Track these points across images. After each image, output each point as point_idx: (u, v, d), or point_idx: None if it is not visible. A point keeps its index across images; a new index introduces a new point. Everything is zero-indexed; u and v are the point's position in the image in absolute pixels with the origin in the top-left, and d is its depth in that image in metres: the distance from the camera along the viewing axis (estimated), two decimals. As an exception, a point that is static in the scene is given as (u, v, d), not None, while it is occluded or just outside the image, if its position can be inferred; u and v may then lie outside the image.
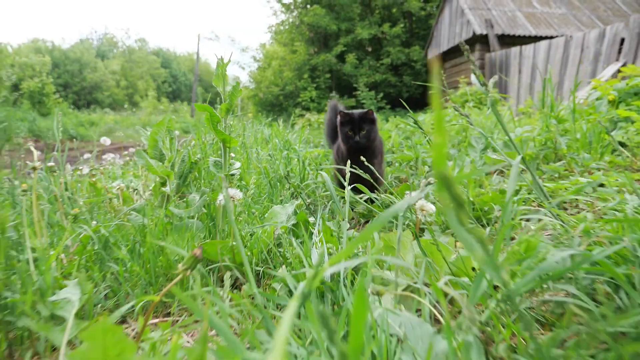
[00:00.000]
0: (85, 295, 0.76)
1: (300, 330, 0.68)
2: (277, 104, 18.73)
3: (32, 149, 1.22)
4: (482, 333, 0.64)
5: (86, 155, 3.91)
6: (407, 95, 17.57)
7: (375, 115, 1.87)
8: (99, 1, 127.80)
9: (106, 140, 2.62)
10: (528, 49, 9.97)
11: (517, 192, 1.43)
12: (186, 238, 1.20)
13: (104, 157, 3.56)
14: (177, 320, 0.95)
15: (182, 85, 59.35)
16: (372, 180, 1.59)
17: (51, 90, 20.62)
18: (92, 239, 1.10)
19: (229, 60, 1.27)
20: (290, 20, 19.81)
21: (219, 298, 0.72)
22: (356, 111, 1.84)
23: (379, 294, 0.64)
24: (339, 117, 1.88)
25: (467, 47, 1.10)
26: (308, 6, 18.41)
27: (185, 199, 1.40)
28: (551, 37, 11.66)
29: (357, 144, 1.80)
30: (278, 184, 1.98)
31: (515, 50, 10.40)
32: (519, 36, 11.99)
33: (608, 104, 2.80)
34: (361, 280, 0.52)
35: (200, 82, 54.21)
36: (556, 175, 1.76)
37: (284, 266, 0.88)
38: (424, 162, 2.34)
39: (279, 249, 1.19)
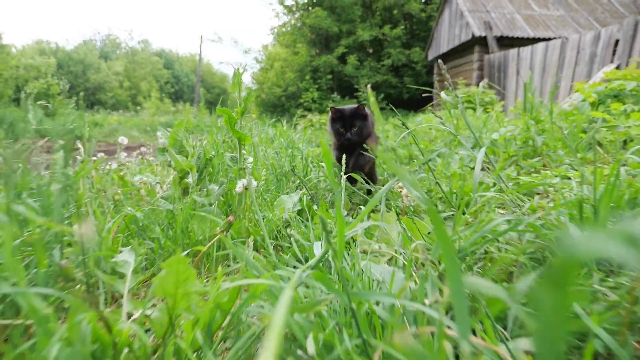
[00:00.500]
0: (139, 257, 0.98)
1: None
2: (279, 105, 18.98)
3: (79, 145, 1.43)
4: (439, 275, 0.85)
5: (99, 154, 4.13)
6: (407, 96, 17.81)
7: (368, 110, 1.85)
8: (102, 3, 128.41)
9: (124, 140, 2.84)
10: (525, 50, 10.17)
11: (495, 184, 1.64)
12: (208, 221, 1.42)
13: (116, 156, 3.77)
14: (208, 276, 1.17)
15: (185, 86, 59.57)
16: (365, 177, 1.65)
17: (56, 91, 20.90)
18: (133, 219, 1.32)
19: (245, 70, 1.48)
20: (292, 22, 20.06)
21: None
22: (347, 107, 1.83)
23: (365, 252, 0.86)
24: (330, 113, 1.86)
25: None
26: (310, 8, 18.65)
27: (205, 189, 1.62)
28: (549, 39, 11.86)
29: (348, 140, 1.79)
30: (284, 178, 2.20)
31: (513, 52, 10.60)
32: (518, 38, 12.19)
33: (590, 105, 3.01)
34: (340, 224, 0.72)
35: (202, 83, 54.53)
36: (532, 170, 1.97)
37: (293, 237, 1.09)
38: (416, 158, 2.56)
39: (287, 229, 1.41)
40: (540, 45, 9.73)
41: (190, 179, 1.57)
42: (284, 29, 20.45)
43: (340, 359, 0.54)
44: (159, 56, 57.47)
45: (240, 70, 1.48)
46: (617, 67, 7.83)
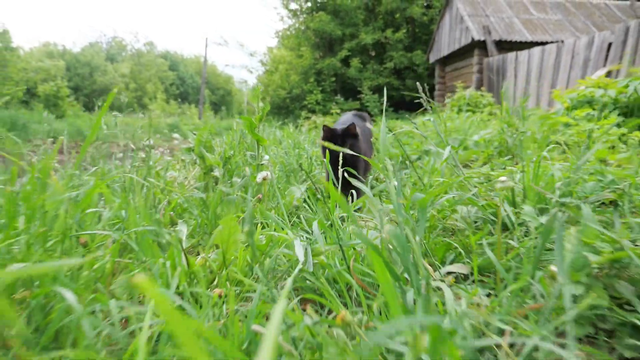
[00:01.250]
0: (190, 227, 1.34)
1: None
2: (284, 107, 19.38)
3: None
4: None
5: (120, 155, 4.50)
6: (409, 98, 18.14)
7: (358, 130, 1.99)
8: (107, 5, 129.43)
9: (177, 136, 3.22)
10: (523, 54, 10.49)
11: (468, 179, 1.99)
12: (234, 205, 1.78)
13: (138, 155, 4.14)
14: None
15: (190, 87, 59.92)
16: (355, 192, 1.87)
17: (65, 94, 21.31)
18: (177, 204, 1.69)
19: (262, 88, 1.85)
20: (297, 25, 20.47)
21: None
22: (339, 127, 1.97)
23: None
24: (322, 132, 1.98)
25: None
26: (314, 12, 19.06)
27: (230, 182, 1.98)
28: (547, 43, 12.17)
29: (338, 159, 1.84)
30: (292, 174, 2.56)
31: (511, 55, 10.93)
32: (516, 42, 12.51)
33: (565, 110, 3.36)
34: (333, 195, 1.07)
35: (206, 84, 54.95)
36: (503, 167, 2.32)
37: (302, 214, 1.45)
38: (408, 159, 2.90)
39: (297, 212, 1.77)
40: (537, 50, 10.05)
41: (217, 173, 1.93)
42: (288, 32, 20.86)
43: (334, 275, 0.90)
44: (164, 58, 57.90)
45: (253, 82, 1.84)
46: (609, 71, 8.15)
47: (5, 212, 0.90)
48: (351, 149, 1.85)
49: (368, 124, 2.52)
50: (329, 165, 1.79)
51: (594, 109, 3.07)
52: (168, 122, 23.25)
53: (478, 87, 12.30)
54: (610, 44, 8.34)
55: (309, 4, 19.80)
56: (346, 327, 0.56)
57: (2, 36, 20.15)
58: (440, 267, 0.98)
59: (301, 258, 0.87)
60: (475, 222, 1.27)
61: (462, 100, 8.72)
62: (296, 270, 0.79)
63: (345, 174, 1.51)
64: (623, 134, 2.31)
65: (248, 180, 1.86)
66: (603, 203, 1.33)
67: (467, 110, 8.58)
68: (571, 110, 3.28)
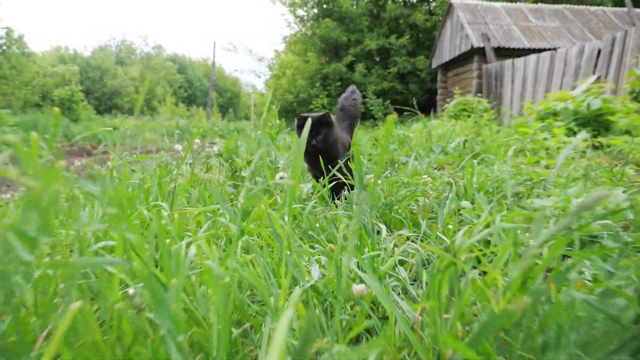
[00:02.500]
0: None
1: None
2: (291, 110, 19.98)
3: (199, 143, 2.37)
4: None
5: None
6: (413, 101, 18.70)
7: (333, 118, 1.96)
8: (117, 9, 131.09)
9: (179, 147, 3.76)
10: (519, 61, 11.00)
11: (435, 178, 2.54)
12: (258, 198, 2.35)
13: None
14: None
15: (197, 90, 60.52)
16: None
17: (80, 98, 22.01)
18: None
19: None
20: (304, 31, 21.08)
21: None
22: (314, 114, 1.92)
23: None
24: (296, 120, 1.96)
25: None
26: (320, 19, 19.67)
27: (254, 180, 2.55)
28: (544, 49, 12.65)
29: (313, 147, 1.87)
30: (300, 176, 3.13)
31: (508, 62, 11.43)
32: (514, 48, 13.01)
33: (535, 120, 3.91)
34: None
35: (214, 87, 55.70)
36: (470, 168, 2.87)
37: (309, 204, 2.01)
38: (396, 161, 3.45)
39: (305, 203, 2.33)
40: (532, 57, 10.56)
41: (244, 174, 2.50)
42: (295, 38, 21.47)
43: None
44: (173, 61, 58.60)
45: (260, 86, 2.41)
46: (598, 79, 8.65)
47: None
48: (325, 139, 1.87)
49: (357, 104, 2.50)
50: (306, 157, 1.89)
51: (556, 120, 3.62)
52: (178, 125, 23.89)
53: (478, 92, 12.81)
54: (599, 53, 8.83)
55: (315, 10, 20.42)
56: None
57: (17, 42, 20.85)
58: (394, 231, 1.54)
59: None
60: (432, 208, 1.83)
61: (460, 106, 9.22)
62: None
63: (334, 169, 1.64)
64: (565, 143, 2.85)
65: (267, 180, 2.42)
66: (522, 195, 1.88)
67: (465, 115, 9.09)
68: (540, 120, 3.83)
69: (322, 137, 1.86)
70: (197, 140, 5.30)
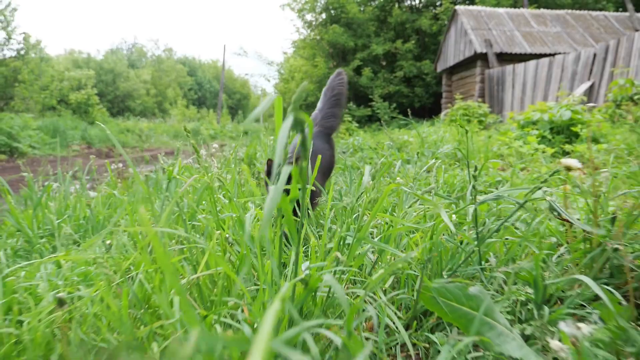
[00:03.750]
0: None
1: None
2: (299, 113, 20.47)
3: (215, 145, 2.90)
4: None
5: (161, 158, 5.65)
6: (419, 105, 19.16)
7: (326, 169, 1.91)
8: (126, 12, 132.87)
9: (203, 152, 4.30)
10: (520, 67, 11.44)
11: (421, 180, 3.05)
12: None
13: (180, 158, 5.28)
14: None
15: (207, 92, 61.15)
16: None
17: (95, 101, 22.74)
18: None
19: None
20: (312, 36, 21.62)
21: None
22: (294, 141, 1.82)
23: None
24: (265, 167, 1.82)
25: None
26: (328, 25, 20.19)
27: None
28: (546, 54, 13.06)
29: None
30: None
31: (509, 67, 11.87)
32: (516, 53, 13.43)
33: (518, 128, 4.40)
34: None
35: (223, 89, 56.41)
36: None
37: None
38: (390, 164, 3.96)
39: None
40: (532, 63, 10.99)
41: (263, 175, 3.02)
42: (304, 43, 22.00)
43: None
44: (183, 64, 59.33)
45: (270, 90, 2.95)
46: (592, 84, 9.08)
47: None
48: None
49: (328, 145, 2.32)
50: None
51: (534, 129, 4.11)
52: (189, 127, 24.48)
53: (481, 96, 13.26)
54: (594, 60, 9.25)
55: (324, 16, 20.97)
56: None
57: (35, 47, 21.55)
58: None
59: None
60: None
61: (460, 111, 9.69)
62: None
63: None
64: (539, 149, 3.35)
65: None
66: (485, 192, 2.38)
67: (465, 119, 9.56)
68: (521, 129, 4.32)
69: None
70: (215, 145, 5.88)
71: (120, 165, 4.27)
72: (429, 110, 18.69)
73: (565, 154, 3.60)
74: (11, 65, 19.22)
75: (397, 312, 0.89)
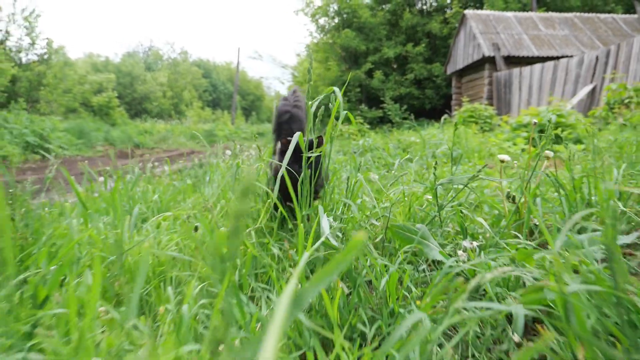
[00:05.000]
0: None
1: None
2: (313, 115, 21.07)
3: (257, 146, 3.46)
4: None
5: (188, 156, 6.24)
6: (429, 106, 19.59)
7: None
8: (143, 15, 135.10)
9: (228, 152, 4.85)
10: (526, 70, 11.82)
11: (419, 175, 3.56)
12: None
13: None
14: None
15: (222, 94, 61.75)
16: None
17: (116, 104, 23.56)
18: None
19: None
20: (325, 39, 22.20)
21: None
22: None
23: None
24: (279, 145, 1.65)
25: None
26: (340, 29, 20.75)
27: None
28: (553, 57, 13.39)
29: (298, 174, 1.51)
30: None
31: (516, 70, 12.26)
32: (524, 56, 13.79)
33: (510, 131, 4.88)
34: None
35: (237, 90, 57.18)
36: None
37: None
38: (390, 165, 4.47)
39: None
40: (538, 66, 11.38)
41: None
42: (317, 47, 22.59)
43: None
44: (198, 66, 60.08)
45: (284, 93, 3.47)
46: (594, 87, 9.45)
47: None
48: (316, 166, 1.52)
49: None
50: (281, 188, 1.44)
51: (525, 131, 4.59)
52: (205, 128, 25.15)
53: (489, 98, 13.66)
54: (596, 63, 9.62)
55: (336, 20, 21.53)
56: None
57: (57, 51, 22.31)
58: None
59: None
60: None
61: (468, 113, 10.13)
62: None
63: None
64: (525, 150, 3.83)
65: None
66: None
67: (472, 121, 9.99)
68: (513, 131, 4.80)
69: (313, 165, 1.48)
70: (239, 145, 6.42)
71: (157, 163, 4.84)
72: (439, 111, 19.09)
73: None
74: (36, 69, 19.96)
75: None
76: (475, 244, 1.12)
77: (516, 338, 0.80)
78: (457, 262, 1.06)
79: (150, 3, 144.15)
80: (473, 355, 0.84)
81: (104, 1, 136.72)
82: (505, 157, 1.63)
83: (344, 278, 1.12)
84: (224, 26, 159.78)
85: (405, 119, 17.25)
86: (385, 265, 1.08)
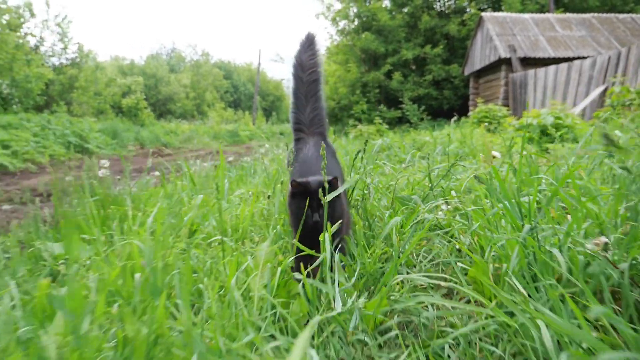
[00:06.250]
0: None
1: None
2: (333, 115, 21.70)
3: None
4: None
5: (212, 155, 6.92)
6: (447, 107, 19.97)
7: (340, 182, 1.48)
8: (165, 18, 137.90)
9: (262, 150, 5.49)
10: (541, 71, 12.17)
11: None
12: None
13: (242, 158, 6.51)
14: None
15: (242, 94, 62.37)
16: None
17: (144, 106, 24.51)
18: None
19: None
20: (345, 42, 22.78)
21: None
22: (313, 179, 1.41)
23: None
24: (289, 187, 1.46)
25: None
26: (360, 32, 21.31)
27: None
28: (569, 58, 13.65)
29: (315, 224, 1.36)
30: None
31: (531, 72, 12.61)
32: (540, 58, 14.10)
33: (514, 131, 5.39)
34: None
35: (258, 90, 57.99)
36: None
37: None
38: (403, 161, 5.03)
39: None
40: (552, 68, 11.72)
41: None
42: (337, 49, 23.17)
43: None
44: (219, 67, 60.93)
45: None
46: (606, 89, 9.79)
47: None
48: (331, 210, 1.39)
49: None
50: (304, 236, 1.35)
51: (527, 131, 5.10)
52: (228, 129, 25.90)
53: (505, 99, 14.04)
54: (608, 65, 9.95)
55: (356, 23, 22.09)
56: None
57: (87, 56, 23.21)
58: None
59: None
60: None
61: (482, 114, 10.55)
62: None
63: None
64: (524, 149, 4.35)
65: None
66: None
67: (486, 121, 10.42)
68: (517, 132, 5.31)
69: (329, 210, 1.36)
70: (266, 145, 7.08)
71: (198, 160, 5.49)
72: (457, 111, 19.43)
73: (546, 151, 4.59)
74: (68, 73, 20.94)
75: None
76: (449, 207, 1.71)
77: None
78: (435, 217, 1.66)
79: (172, 5, 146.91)
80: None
81: (127, 5, 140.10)
82: (497, 154, 2.21)
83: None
84: (244, 28, 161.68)
85: (422, 119, 17.62)
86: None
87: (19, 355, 0.79)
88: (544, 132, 5.06)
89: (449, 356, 0.89)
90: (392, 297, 1.08)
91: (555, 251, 0.97)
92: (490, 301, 0.95)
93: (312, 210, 1.35)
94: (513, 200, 1.22)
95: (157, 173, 3.90)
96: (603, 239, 0.91)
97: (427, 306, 1.05)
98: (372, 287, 1.23)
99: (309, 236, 1.36)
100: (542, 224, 1.22)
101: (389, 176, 2.90)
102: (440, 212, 1.69)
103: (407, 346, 0.93)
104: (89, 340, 0.81)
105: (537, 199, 1.39)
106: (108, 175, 2.46)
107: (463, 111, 18.45)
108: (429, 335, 0.96)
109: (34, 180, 7.55)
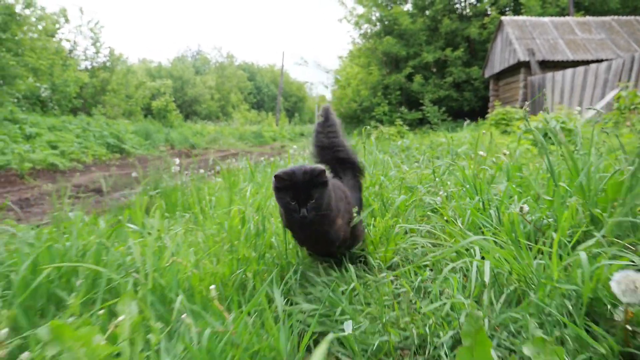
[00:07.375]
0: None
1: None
2: (355, 117, 22.28)
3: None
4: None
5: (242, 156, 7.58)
6: (467, 108, 20.31)
7: (328, 175, 1.34)
8: (190, 21, 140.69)
9: (292, 151, 6.13)
10: (558, 74, 12.48)
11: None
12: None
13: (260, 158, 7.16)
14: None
15: (265, 96, 63.16)
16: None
17: (172, 107, 25.49)
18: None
19: (345, 114, 4.67)
20: (367, 45, 23.33)
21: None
22: (299, 169, 1.30)
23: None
24: (273, 181, 1.34)
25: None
26: (382, 35, 21.84)
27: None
28: (588, 61, 13.87)
29: (303, 219, 1.29)
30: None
31: (549, 75, 12.93)
32: (559, 61, 14.37)
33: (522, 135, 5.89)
34: None
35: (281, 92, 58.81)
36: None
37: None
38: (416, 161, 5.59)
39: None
40: (569, 71, 12.03)
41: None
42: (359, 52, 23.75)
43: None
44: (243, 69, 61.94)
45: (328, 97, 4.70)
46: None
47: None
48: (318, 203, 1.29)
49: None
50: (293, 227, 1.38)
51: (532, 135, 5.60)
52: (253, 130, 26.69)
53: (524, 101, 14.36)
54: (622, 68, 10.25)
55: (378, 26, 22.63)
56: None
57: (118, 59, 24.17)
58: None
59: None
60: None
61: (500, 116, 10.97)
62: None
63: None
64: (530, 150, 4.86)
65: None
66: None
67: (504, 123, 10.84)
68: (525, 134, 5.80)
69: (315, 202, 1.29)
70: (294, 147, 7.72)
71: (233, 160, 6.18)
72: (477, 113, 19.78)
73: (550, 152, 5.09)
74: (100, 76, 21.99)
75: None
76: (446, 194, 2.30)
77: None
78: (434, 200, 2.25)
79: (198, 8, 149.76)
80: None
81: (154, 8, 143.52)
82: (482, 153, 2.78)
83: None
84: (268, 30, 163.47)
85: (443, 120, 18.03)
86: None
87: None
88: (546, 135, 5.54)
89: (431, 269, 1.50)
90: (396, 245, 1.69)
91: (492, 212, 1.56)
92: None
93: (299, 205, 1.28)
94: (472, 184, 1.84)
95: (217, 168, 4.53)
96: (525, 207, 1.47)
97: (416, 248, 1.67)
98: (386, 240, 1.84)
99: (297, 227, 1.43)
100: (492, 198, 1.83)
101: (404, 172, 3.48)
102: (438, 198, 2.28)
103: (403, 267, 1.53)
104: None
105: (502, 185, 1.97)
106: (178, 171, 3.11)
107: (483, 113, 18.78)
108: (416, 260, 1.57)
109: (82, 178, 8.39)
